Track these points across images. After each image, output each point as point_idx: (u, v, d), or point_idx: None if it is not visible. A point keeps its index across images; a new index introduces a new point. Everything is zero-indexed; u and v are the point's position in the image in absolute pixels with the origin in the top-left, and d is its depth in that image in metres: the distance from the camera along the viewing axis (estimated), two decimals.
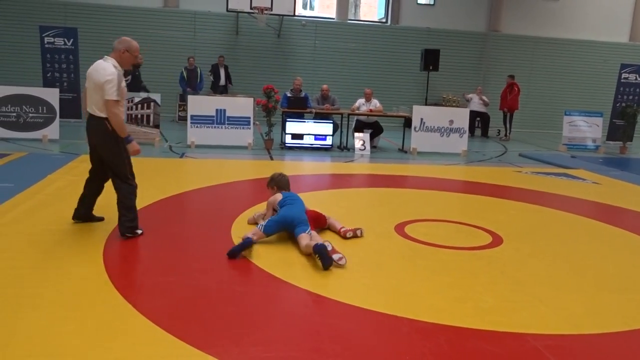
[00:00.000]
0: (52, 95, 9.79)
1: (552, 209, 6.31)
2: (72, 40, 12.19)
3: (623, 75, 13.60)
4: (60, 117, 9.87)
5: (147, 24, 14.81)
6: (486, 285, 3.80)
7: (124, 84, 4.20)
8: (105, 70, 4.12)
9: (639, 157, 12.12)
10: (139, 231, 4.37)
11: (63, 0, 14.47)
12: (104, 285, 3.42)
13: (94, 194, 4.60)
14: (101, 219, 4.68)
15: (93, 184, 4.55)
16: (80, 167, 7.05)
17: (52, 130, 9.64)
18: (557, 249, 4.79)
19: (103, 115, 4.13)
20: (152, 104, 9.74)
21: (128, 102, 9.65)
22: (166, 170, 7.41)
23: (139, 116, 9.70)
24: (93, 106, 4.18)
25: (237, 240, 4.46)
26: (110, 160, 4.26)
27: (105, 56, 4.27)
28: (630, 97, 13.56)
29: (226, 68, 13.99)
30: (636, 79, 13.64)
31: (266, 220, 4.49)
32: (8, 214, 4.85)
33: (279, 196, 4.76)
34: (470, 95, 14.61)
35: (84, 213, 4.62)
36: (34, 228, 4.48)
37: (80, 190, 4.62)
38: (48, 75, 12.12)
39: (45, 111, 9.64)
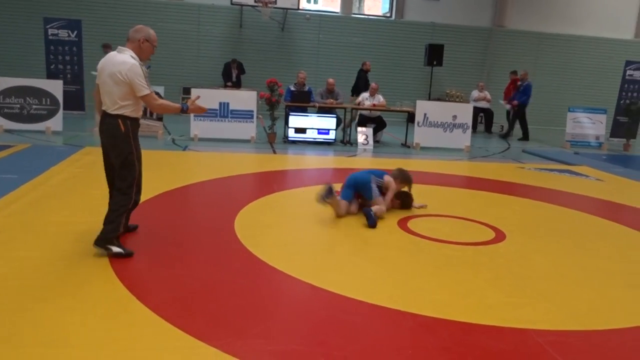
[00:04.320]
0: (55, 87, 9.78)
1: (555, 205, 6.30)
2: (76, 32, 12.17)
3: (627, 72, 13.52)
4: (64, 109, 9.87)
5: (151, 16, 14.75)
6: (489, 280, 3.81)
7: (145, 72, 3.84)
8: (125, 64, 3.69)
9: None
10: (115, 249, 3.76)
11: None
12: (108, 277, 3.44)
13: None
14: (135, 227, 4.36)
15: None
16: (84, 160, 7.07)
17: (56, 122, 9.63)
18: (560, 245, 4.79)
19: (118, 112, 3.75)
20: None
21: None
22: (169, 163, 7.41)
23: (142, 109, 9.67)
24: (108, 102, 3.78)
25: (240, 233, 4.48)
26: (119, 164, 3.85)
27: (119, 47, 3.84)
28: (635, 94, 13.50)
29: (239, 66, 14.05)
30: None
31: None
32: (12, 205, 4.86)
33: None
34: (473, 92, 14.53)
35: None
36: (37, 220, 4.50)
37: (86, 181, 4.62)
38: (52, 67, 12.11)
39: (48, 103, 9.64)
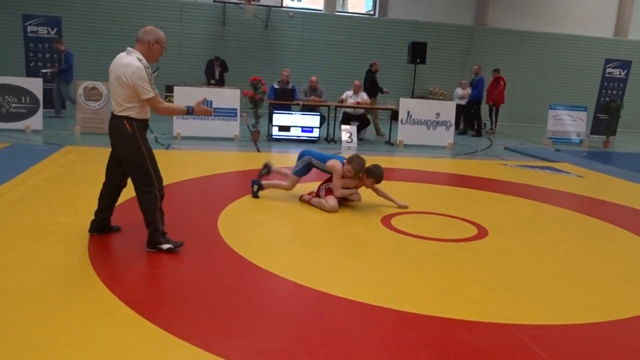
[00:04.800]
0: (35, 85, 9.64)
1: (536, 201, 6.37)
2: (55, 29, 12.01)
3: (607, 70, 13.74)
4: (44, 107, 9.74)
5: (132, 13, 14.63)
6: (471, 276, 3.84)
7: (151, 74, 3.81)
8: (130, 67, 3.67)
9: (622, 151, 12.28)
10: (165, 246, 3.88)
11: None
12: (89, 277, 3.40)
13: (109, 207, 4.18)
14: (118, 229, 4.28)
15: (107, 198, 4.12)
16: (65, 159, 6.98)
17: (36, 121, 9.50)
18: (541, 241, 4.85)
19: (123, 113, 3.76)
20: None
21: None
22: None
23: None
24: (113, 103, 3.81)
25: (223, 231, 4.46)
26: (130, 164, 3.87)
27: (128, 48, 3.81)
28: (614, 92, 13.73)
29: (222, 64, 13.98)
30: (620, 73, 13.80)
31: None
32: None
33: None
34: (457, 90, 14.63)
35: (102, 226, 4.19)
36: (17, 220, 4.43)
37: (67, 181, 4.56)
38: (31, 64, 11.94)
39: (28, 101, 9.49)
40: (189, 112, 4.08)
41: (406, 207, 5.63)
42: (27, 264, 3.55)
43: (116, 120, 3.82)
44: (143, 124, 3.89)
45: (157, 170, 3.98)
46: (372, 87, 12.18)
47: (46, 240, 4.01)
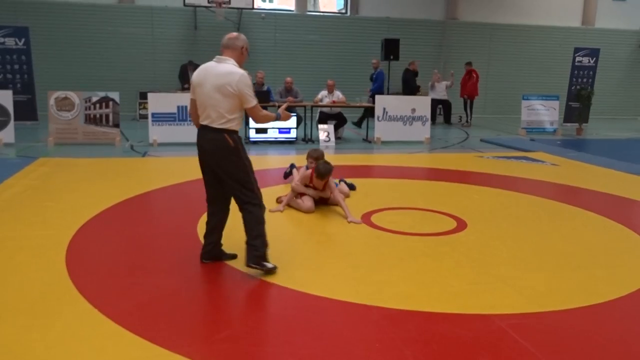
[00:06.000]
0: (5, 98, 9.43)
1: (513, 191, 6.46)
2: (23, 39, 11.79)
3: (577, 59, 13.98)
4: (15, 119, 9.54)
5: (102, 20, 14.41)
6: (452, 269, 3.88)
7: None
8: (233, 74, 3.47)
9: (595, 138, 12.52)
10: (269, 265, 3.64)
11: None
12: (67, 290, 3.35)
13: (219, 227, 3.92)
14: (234, 257, 3.96)
15: (215, 216, 3.89)
16: (39, 171, 6.86)
17: (7, 134, 9.30)
18: (519, 230, 4.92)
19: (224, 126, 3.50)
20: (110, 102, 9.51)
21: (85, 102, 9.41)
22: (128, 170, 7.26)
23: (98, 116, 9.47)
24: (213, 116, 3.52)
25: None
26: (235, 179, 3.61)
27: (218, 57, 3.60)
28: (584, 80, 13.97)
29: (195, 68, 13.87)
30: (589, 62, 14.05)
31: None
32: None
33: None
34: (432, 83, 14.75)
35: (213, 250, 3.93)
36: None
37: (41, 194, 4.48)
38: (0, 76, 11.71)
39: None
40: (278, 118, 3.95)
41: (359, 222, 5.02)
42: (2, 280, 3.48)
43: (214, 135, 3.53)
44: (238, 135, 3.65)
45: (256, 181, 3.76)
46: (412, 88, 12.11)
47: (22, 254, 3.93)
